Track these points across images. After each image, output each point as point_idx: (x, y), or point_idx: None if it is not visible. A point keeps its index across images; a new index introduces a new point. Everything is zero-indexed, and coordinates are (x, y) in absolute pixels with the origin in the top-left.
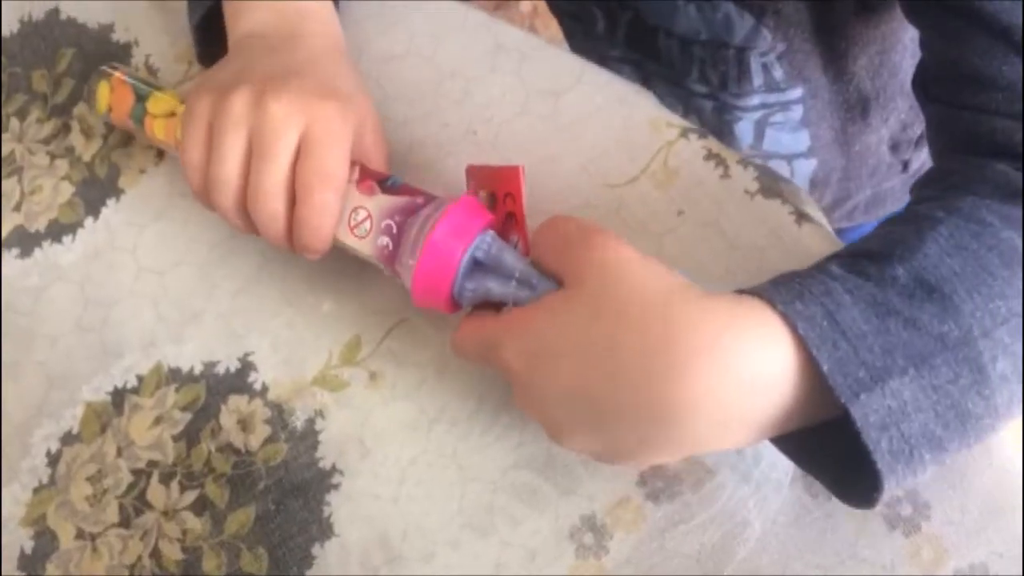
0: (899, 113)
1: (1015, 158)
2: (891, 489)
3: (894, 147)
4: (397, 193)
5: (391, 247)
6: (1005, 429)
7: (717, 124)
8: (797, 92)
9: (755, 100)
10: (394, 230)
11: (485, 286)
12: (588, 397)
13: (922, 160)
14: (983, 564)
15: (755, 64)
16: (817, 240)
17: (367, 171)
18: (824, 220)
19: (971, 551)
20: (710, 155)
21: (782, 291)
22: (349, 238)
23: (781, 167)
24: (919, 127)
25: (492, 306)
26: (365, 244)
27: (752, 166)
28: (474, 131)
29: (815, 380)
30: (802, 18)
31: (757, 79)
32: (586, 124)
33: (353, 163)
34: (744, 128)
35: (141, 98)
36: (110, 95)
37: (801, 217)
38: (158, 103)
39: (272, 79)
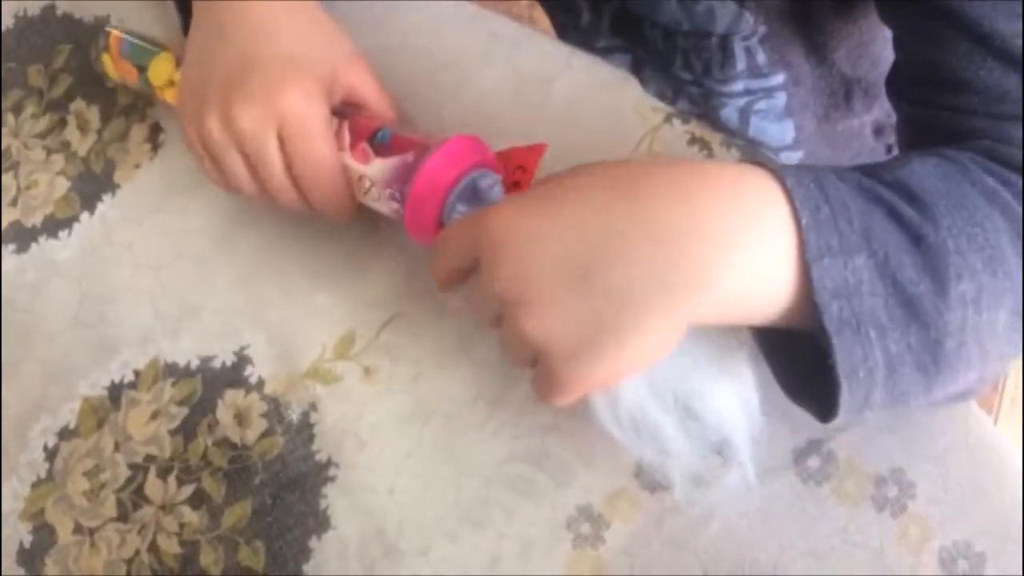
0: (883, 101)
1: (992, 155)
2: (850, 367)
3: (878, 131)
4: (389, 151)
5: (401, 210)
6: (955, 366)
7: (704, 110)
8: (780, 78)
9: (739, 86)
10: (398, 196)
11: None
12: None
13: None
14: (966, 541)
15: (738, 49)
16: None
17: (357, 126)
18: None
19: (955, 529)
20: (694, 139)
21: (774, 165)
22: (367, 201)
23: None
24: None
25: None
26: (381, 206)
27: (735, 147)
28: (467, 124)
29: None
30: (782, 5)
31: (740, 63)
32: (576, 111)
33: (340, 119)
34: (729, 115)
35: (142, 68)
36: (115, 67)
37: None
38: (158, 73)
39: (233, 86)
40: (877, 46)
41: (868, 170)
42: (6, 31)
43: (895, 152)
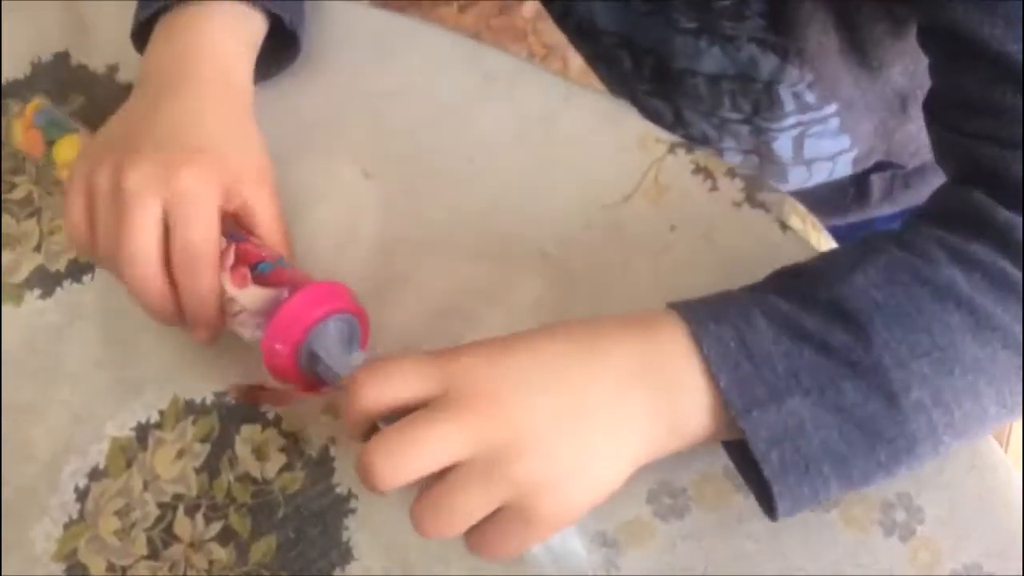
0: None
1: (1004, 187)
2: (792, 499)
3: None
4: (266, 282)
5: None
6: (946, 452)
7: (755, 144)
8: (832, 108)
9: (790, 120)
10: (263, 327)
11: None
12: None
13: None
14: (976, 564)
15: (786, 94)
16: (797, 249)
17: (243, 251)
18: (810, 228)
19: (965, 552)
20: (698, 168)
21: (702, 311)
22: (232, 325)
23: (824, 166)
24: None
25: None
26: (245, 331)
27: (739, 176)
28: (471, 159)
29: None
30: (828, 49)
31: (789, 105)
32: (580, 146)
33: (230, 240)
34: (783, 144)
35: (50, 143)
36: (23, 137)
37: (783, 226)
38: (64, 150)
39: (139, 147)
40: None
41: (805, 285)
42: (23, 78)
43: None
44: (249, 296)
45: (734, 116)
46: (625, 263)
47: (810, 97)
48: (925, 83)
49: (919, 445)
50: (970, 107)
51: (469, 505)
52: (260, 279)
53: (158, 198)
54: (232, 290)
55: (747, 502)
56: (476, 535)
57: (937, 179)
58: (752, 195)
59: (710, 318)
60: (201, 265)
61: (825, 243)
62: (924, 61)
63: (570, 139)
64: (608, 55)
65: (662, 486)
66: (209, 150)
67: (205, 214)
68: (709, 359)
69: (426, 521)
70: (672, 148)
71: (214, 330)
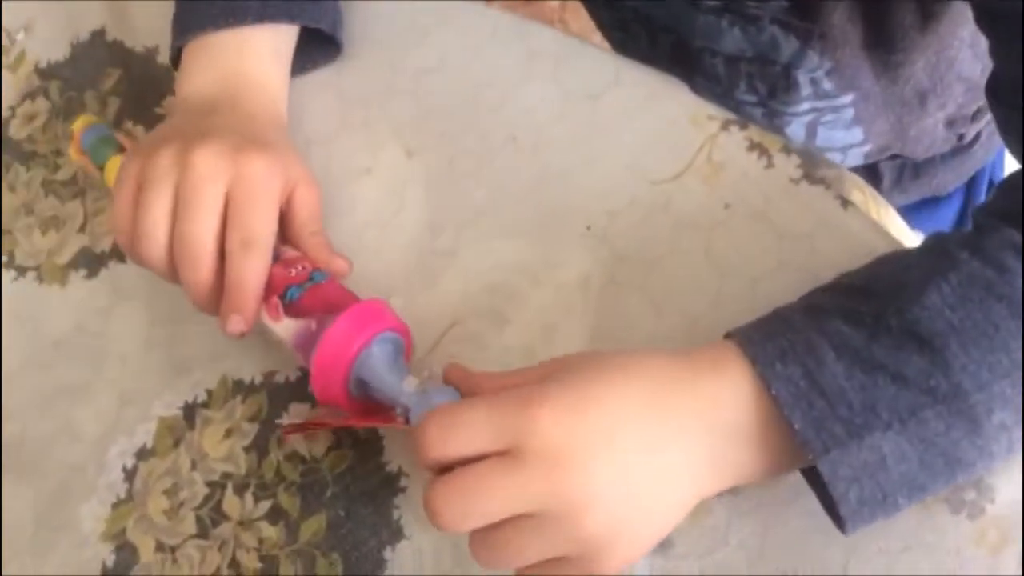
0: (956, 97)
1: None
2: (863, 525)
3: (949, 123)
4: (297, 311)
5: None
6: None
7: (768, 128)
8: (848, 98)
9: (805, 106)
10: (303, 360)
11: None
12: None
13: (977, 130)
14: None
15: (803, 79)
16: (860, 225)
17: (273, 277)
18: (871, 202)
19: None
20: (753, 145)
21: (768, 348)
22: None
23: (834, 157)
24: (975, 103)
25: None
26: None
27: (795, 152)
28: (514, 136)
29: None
30: (851, 37)
31: (805, 90)
32: (626, 124)
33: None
34: (795, 131)
35: (100, 167)
36: (75, 156)
37: (845, 202)
38: (112, 173)
39: (207, 133)
40: (954, 48)
41: (874, 309)
42: (63, 60)
43: (967, 139)
44: (283, 329)
45: (749, 99)
46: (674, 240)
47: (827, 84)
48: (945, 78)
49: (996, 462)
50: None
51: (529, 550)
52: (292, 308)
53: (223, 176)
54: (268, 321)
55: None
56: (532, 571)
57: (946, 170)
58: (810, 172)
59: (776, 357)
60: (256, 250)
61: (887, 216)
62: (946, 54)
63: (617, 116)
64: (625, 28)
65: None
66: (273, 148)
67: (268, 201)
68: (779, 401)
69: (483, 555)
70: (725, 125)
71: (249, 322)
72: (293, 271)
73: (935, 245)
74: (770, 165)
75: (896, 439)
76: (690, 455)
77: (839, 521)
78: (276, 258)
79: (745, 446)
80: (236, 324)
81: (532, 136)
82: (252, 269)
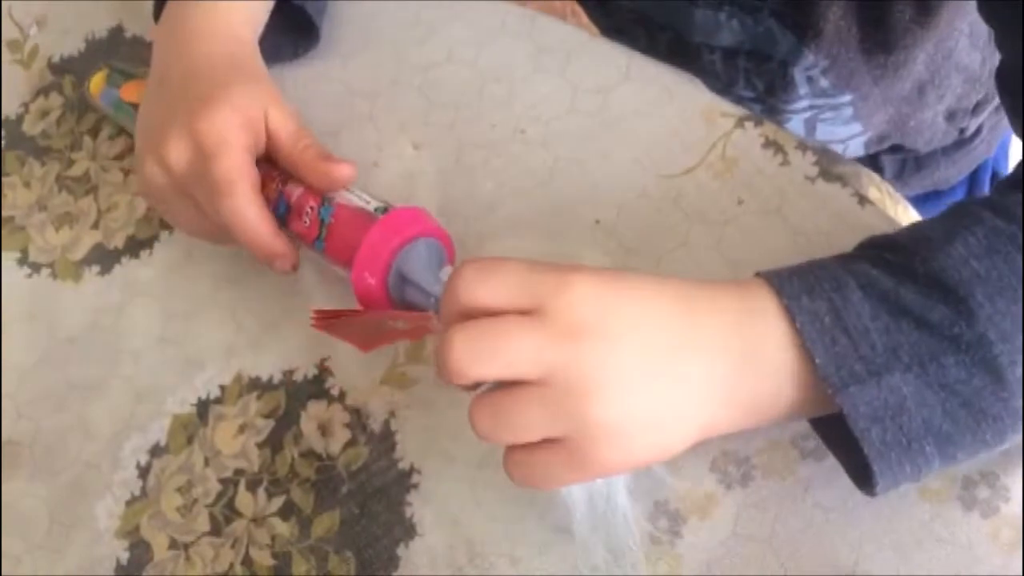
0: (954, 88)
1: None
2: (893, 477)
3: (950, 116)
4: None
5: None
6: None
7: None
8: (847, 97)
9: (803, 103)
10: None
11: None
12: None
13: (978, 124)
14: None
15: (799, 77)
16: (879, 221)
17: (296, 228)
18: (888, 199)
19: None
20: (768, 142)
21: (795, 282)
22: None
23: (835, 148)
24: (975, 96)
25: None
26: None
27: (811, 150)
28: (522, 130)
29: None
30: (847, 38)
31: (803, 88)
32: (637, 119)
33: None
34: (794, 126)
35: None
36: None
37: (862, 199)
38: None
39: (164, 127)
40: (952, 40)
41: (900, 258)
42: (78, 55)
43: (968, 132)
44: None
45: (748, 95)
46: (685, 233)
47: (824, 82)
48: (943, 68)
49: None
50: None
51: (529, 423)
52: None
53: (192, 156)
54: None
55: (815, 470)
56: (520, 455)
57: (948, 164)
58: (826, 169)
59: (803, 291)
60: (226, 194)
61: (904, 214)
62: (945, 47)
63: (628, 111)
64: (624, 30)
65: (726, 455)
66: (214, 95)
67: (228, 148)
68: (803, 334)
69: (482, 420)
70: (740, 121)
71: (288, 257)
72: (306, 220)
73: (958, 208)
74: (785, 162)
75: (916, 383)
76: (710, 370)
77: (866, 477)
78: (287, 207)
79: (764, 376)
80: (280, 265)
81: (541, 130)
82: (233, 211)
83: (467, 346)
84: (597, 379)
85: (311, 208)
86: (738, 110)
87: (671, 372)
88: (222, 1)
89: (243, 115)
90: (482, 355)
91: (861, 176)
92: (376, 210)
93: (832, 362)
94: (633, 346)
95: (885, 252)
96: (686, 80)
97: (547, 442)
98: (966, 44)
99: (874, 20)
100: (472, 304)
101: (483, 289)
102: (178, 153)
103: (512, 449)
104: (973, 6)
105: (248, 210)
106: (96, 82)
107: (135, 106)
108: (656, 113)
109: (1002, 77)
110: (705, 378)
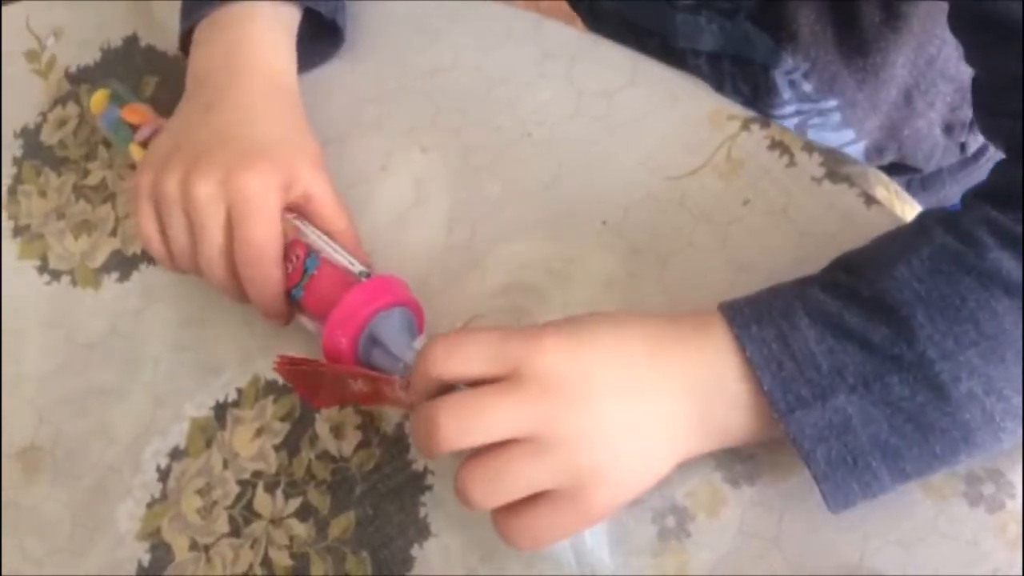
0: (944, 96)
1: None
2: (843, 496)
3: (947, 129)
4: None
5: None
6: (1016, 438)
7: None
8: (833, 103)
9: (790, 108)
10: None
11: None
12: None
13: (981, 143)
14: None
15: (781, 81)
16: (886, 221)
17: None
18: (895, 199)
19: None
20: (774, 144)
21: (746, 312)
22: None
23: None
24: (969, 109)
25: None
26: (307, 323)
27: (817, 151)
28: (529, 133)
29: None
30: (822, 40)
31: (786, 93)
32: (642, 122)
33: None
34: None
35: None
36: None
37: (869, 199)
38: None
39: (201, 154)
40: (933, 47)
41: (849, 281)
42: (93, 64)
43: (970, 149)
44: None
45: (736, 99)
46: (690, 234)
47: (807, 86)
48: (928, 75)
49: (976, 434)
50: (1011, 88)
51: (520, 477)
52: (300, 306)
53: (223, 202)
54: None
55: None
56: (518, 519)
57: (953, 183)
58: (833, 170)
59: (753, 320)
60: (266, 260)
61: (911, 213)
62: (926, 53)
63: (634, 113)
64: (614, 35)
65: (732, 453)
66: (265, 150)
67: (264, 215)
68: (752, 361)
69: (471, 484)
70: (746, 124)
71: (285, 317)
72: (289, 267)
73: (917, 221)
74: (792, 164)
75: (860, 402)
76: (678, 406)
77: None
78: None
79: (730, 406)
80: (274, 323)
81: (547, 132)
82: (261, 280)
83: (452, 420)
84: (580, 428)
85: (297, 256)
86: (744, 112)
87: (646, 413)
88: (253, 33)
89: (285, 178)
90: (468, 426)
91: (869, 176)
92: (360, 274)
93: (779, 387)
94: (607, 394)
95: (840, 273)
96: (691, 83)
97: (537, 500)
98: (953, 54)
99: (846, 23)
100: (446, 376)
101: (455, 361)
102: (206, 185)
103: (507, 518)
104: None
105: (270, 279)
106: (97, 100)
107: (134, 128)
108: (662, 116)
109: (974, 92)
110: (675, 413)
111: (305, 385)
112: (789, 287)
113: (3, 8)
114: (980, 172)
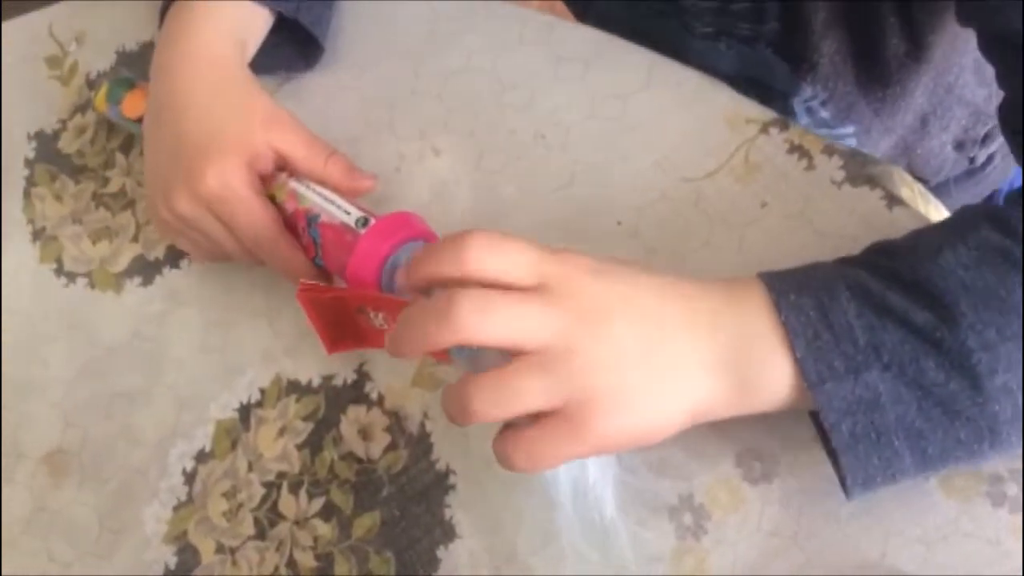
0: (959, 120)
1: None
2: (862, 471)
3: (958, 146)
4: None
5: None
6: None
7: None
8: (849, 129)
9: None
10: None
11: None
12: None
13: (989, 153)
14: None
15: (799, 108)
16: (908, 223)
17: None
18: (919, 199)
19: None
20: (793, 148)
21: (786, 280)
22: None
23: None
24: (982, 128)
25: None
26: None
27: (838, 153)
28: (542, 135)
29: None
30: (843, 71)
31: (804, 120)
32: (658, 123)
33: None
34: None
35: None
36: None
37: (892, 200)
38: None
39: (168, 174)
40: (952, 74)
41: (891, 264)
42: (109, 68)
43: (978, 161)
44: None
45: None
46: (706, 235)
47: (824, 113)
48: (946, 101)
49: (1003, 427)
50: None
51: (526, 389)
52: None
53: (203, 208)
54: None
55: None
56: (518, 435)
57: (960, 191)
58: (854, 173)
59: (793, 288)
60: (265, 241)
61: (935, 213)
62: (945, 81)
63: (649, 115)
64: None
65: (751, 451)
66: (212, 138)
67: (243, 199)
68: (787, 326)
69: (479, 392)
70: (764, 127)
71: (308, 271)
72: (303, 238)
73: (959, 214)
74: (811, 167)
75: (893, 382)
76: (700, 361)
77: (841, 476)
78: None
79: (755, 371)
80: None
81: (560, 134)
82: (279, 258)
83: (472, 313)
84: (588, 349)
85: (303, 228)
86: (764, 114)
87: (665, 356)
88: (201, 22)
89: (241, 153)
90: (484, 317)
91: (893, 175)
92: (357, 222)
93: (812, 356)
94: (629, 324)
95: (881, 257)
96: (709, 84)
97: (538, 419)
98: (971, 79)
99: (868, 55)
100: (477, 274)
101: (492, 261)
102: (182, 204)
103: (507, 433)
104: (974, 41)
105: (282, 254)
106: (100, 99)
107: (139, 120)
108: (678, 117)
109: (1003, 114)
110: (697, 356)
111: (324, 322)
112: (829, 264)
113: (27, 14)
114: (987, 181)
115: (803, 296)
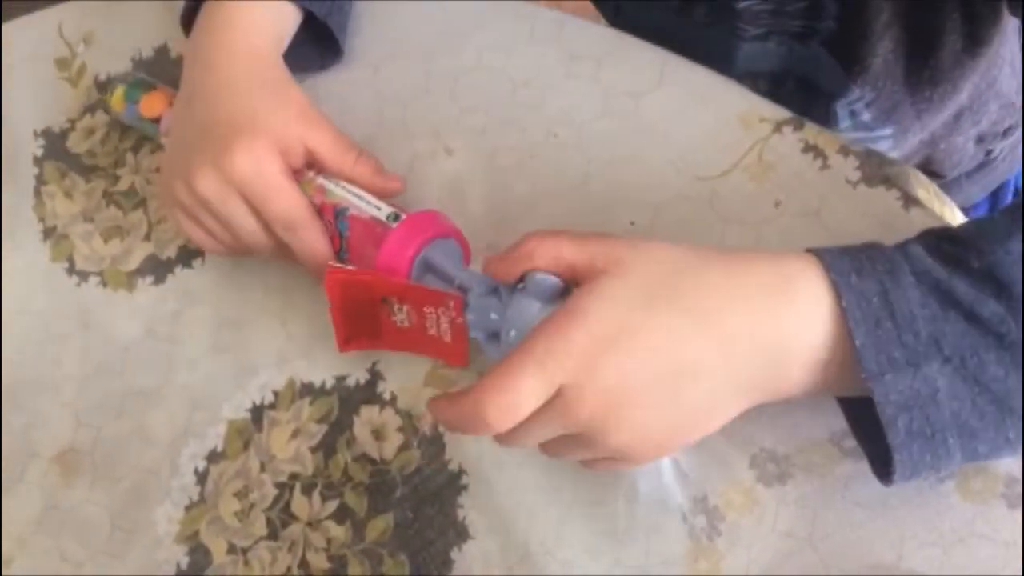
0: (990, 115)
1: None
2: (912, 466)
3: (979, 139)
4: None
5: None
6: None
7: None
8: (887, 131)
9: (843, 135)
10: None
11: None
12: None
13: (1006, 147)
14: None
15: (842, 111)
16: (927, 224)
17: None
18: (936, 200)
19: None
20: (808, 147)
21: (846, 261)
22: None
23: None
24: (1008, 121)
25: None
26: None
27: (853, 154)
28: (555, 134)
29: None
30: (894, 70)
31: (844, 122)
32: (671, 122)
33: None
34: None
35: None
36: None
37: (909, 201)
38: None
39: (193, 152)
40: (996, 68)
41: (955, 250)
42: (123, 73)
43: (993, 154)
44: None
45: None
46: (720, 234)
47: (866, 115)
48: (984, 95)
49: None
50: None
51: (565, 454)
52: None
53: (230, 189)
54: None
55: (855, 468)
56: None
57: (971, 184)
58: (870, 173)
59: (853, 269)
60: (298, 224)
61: (951, 215)
62: (990, 75)
63: (662, 114)
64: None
65: (765, 452)
66: (245, 123)
67: (272, 186)
68: (847, 312)
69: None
70: (778, 127)
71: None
72: (328, 230)
73: (1015, 205)
74: (826, 167)
75: (952, 376)
76: (732, 383)
77: (885, 464)
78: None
79: (789, 365)
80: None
81: (573, 133)
82: (309, 244)
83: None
84: (611, 423)
85: (329, 222)
86: (778, 113)
87: (700, 386)
88: (239, 15)
89: (275, 140)
90: (512, 411)
91: (909, 176)
92: (388, 217)
93: (872, 346)
94: (643, 368)
95: (943, 242)
96: (723, 83)
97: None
98: (1008, 72)
99: (923, 53)
100: (505, 428)
101: (511, 412)
102: (207, 183)
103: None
104: (1014, 32)
105: (312, 240)
106: (116, 99)
107: (156, 120)
108: (691, 116)
109: None
110: (731, 387)
111: (344, 312)
112: (888, 246)
113: (35, 13)
114: (995, 172)
115: (864, 279)
